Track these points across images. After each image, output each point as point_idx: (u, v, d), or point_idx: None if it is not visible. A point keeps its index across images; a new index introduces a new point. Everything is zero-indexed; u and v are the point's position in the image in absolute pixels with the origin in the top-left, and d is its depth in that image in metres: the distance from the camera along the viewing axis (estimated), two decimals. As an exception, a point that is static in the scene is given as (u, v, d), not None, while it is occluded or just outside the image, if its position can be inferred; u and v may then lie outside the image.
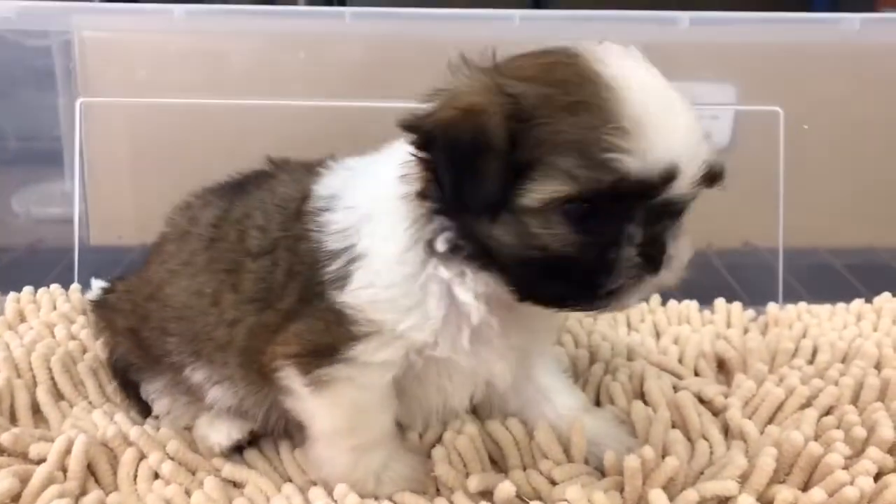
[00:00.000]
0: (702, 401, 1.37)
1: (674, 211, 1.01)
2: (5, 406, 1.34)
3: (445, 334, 1.09)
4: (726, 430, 1.31)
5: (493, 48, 1.03)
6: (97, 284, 1.58)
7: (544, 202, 0.96)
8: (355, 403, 1.14)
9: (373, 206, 1.09)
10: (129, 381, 1.35)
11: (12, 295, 1.69)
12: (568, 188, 0.94)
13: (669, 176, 0.95)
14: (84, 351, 1.50)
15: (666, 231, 1.00)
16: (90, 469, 1.20)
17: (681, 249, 1.03)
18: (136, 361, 1.32)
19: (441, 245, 1.05)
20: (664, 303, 1.73)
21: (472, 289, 1.06)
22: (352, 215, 1.09)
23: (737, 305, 1.71)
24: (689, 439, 1.27)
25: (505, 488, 1.13)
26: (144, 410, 1.35)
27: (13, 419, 1.33)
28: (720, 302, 1.71)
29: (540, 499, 1.15)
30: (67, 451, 1.19)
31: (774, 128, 2.09)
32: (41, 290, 1.71)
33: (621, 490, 1.14)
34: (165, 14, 1.78)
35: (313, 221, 1.11)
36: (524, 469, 1.21)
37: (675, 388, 1.39)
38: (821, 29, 1.93)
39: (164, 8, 1.82)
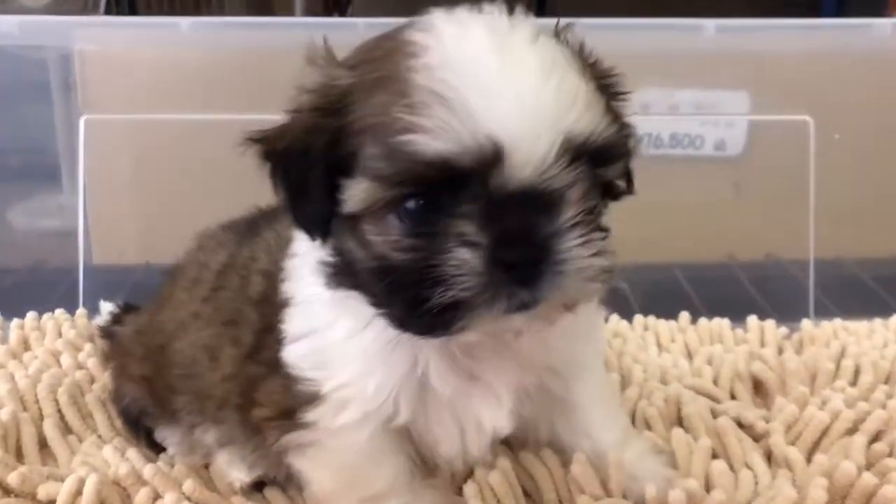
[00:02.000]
0: (741, 426, 1.31)
1: (543, 202, 0.79)
2: (11, 442, 1.27)
3: (392, 389, 0.95)
4: (768, 457, 1.25)
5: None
6: (106, 308, 1.52)
7: (363, 207, 0.82)
8: (340, 465, 1.03)
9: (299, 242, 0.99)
10: (140, 425, 1.28)
11: (16, 322, 1.62)
12: (374, 186, 0.80)
13: (489, 157, 0.76)
14: (92, 381, 1.43)
15: (538, 229, 0.79)
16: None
17: (576, 251, 0.79)
18: (150, 410, 1.24)
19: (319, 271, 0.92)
20: (694, 321, 1.67)
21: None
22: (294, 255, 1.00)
23: (770, 323, 1.64)
24: (732, 468, 1.20)
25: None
26: (156, 447, 1.28)
27: (19, 456, 1.27)
28: (753, 320, 1.65)
29: (579, 536, 1.09)
30: (78, 492, 1.12)
31: (800, 136, 2.04)
32: (46, 316, 1.65)
33: (666, 526, 1.08)
34: (171, 27, 1.72)
35: (288, 265, 1.01)
36: (560, 504, 1.14)
37: (713, 413, 1.33)
38: (850, 35, 1.87)
39: (169, 21, 1.76)
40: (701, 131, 2.31)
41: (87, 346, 1.52)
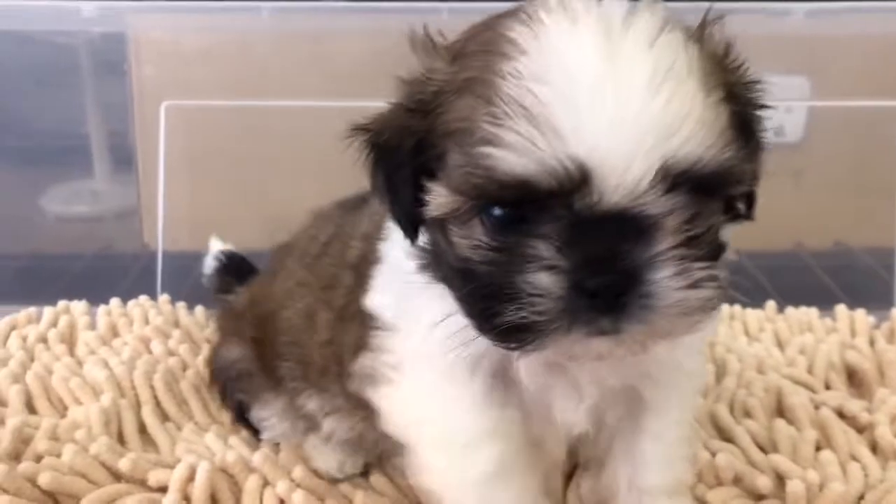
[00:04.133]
0: (841, 416, 1.30)
1: (634, 229, 0.72)
2: (113, 429, 1.27)
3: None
4: (872, 449, 1.24)
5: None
6: (215, 246, 1.56)
7: (445, 212, 0.78)
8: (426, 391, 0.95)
9: None
10: (241, 401, 1.28)
11: (103, 308, 1.63)
12: (455, 195, 0.76)
13: (573, 180, 0.70)
14: (184, 368, 1.43)
15: (624, 257, 0.72)
16: (212, 497, 1.14)
17: (667, 283, 0.72)
18: (254, 373, 1.24)
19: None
20: (781, 310, 1.65)
21: None
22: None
23: (860, 312, 1.62)
24: (839, 461, 1.19)
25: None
26: (254, 433, 1.29)
27: (121, 443, 1.27)
28: (842, 309, 1.63)
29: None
30: (190, 479, 1.13)
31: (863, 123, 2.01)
32: (131, 303, 1.65)
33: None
34: (253, 12, 1.71)
35: (388, 227, 0.98)
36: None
37: (813, 404, 1.31)
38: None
39: (247, 6, 1.75)
40: (759, 117, 2.29)
41: (176, 333, 1.53)
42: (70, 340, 1.51)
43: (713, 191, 0.75)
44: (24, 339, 1.48)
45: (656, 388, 0.97)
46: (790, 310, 1.64)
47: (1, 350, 1.45)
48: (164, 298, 1.67)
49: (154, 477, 1.15)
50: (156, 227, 1.88)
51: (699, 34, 0.81)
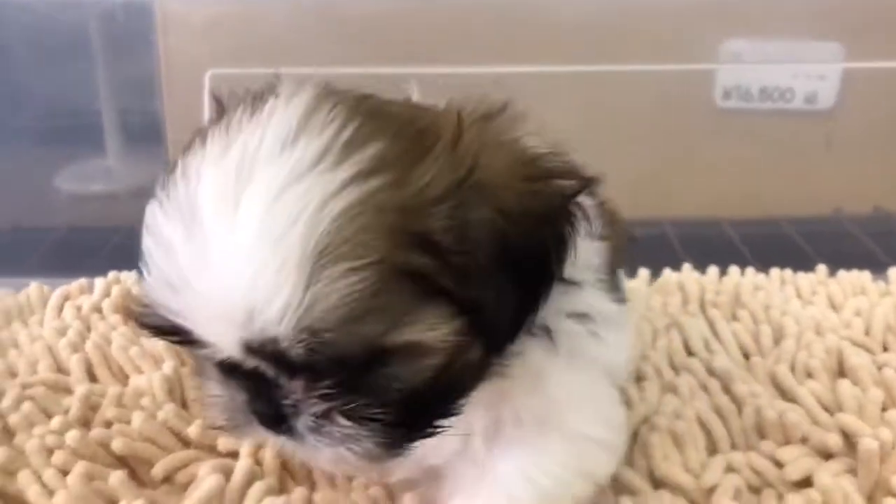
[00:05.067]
0: (903, 378, 1.29)
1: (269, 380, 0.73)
2: (177, 395, 1.27)
3: None
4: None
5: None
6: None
7: None
8: None
9: None
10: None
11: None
12: None
13: (184, 334, 0.71)
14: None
15: (268, 400, 0.74)
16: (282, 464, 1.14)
17: (303, 431, 0.75)
18: None
19: None
20: (832, 273, 1.64)
21: None
22: None
23: (915, 275, 1.61)
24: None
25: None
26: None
27: (185, 409, 1.27)
28: (895, 272, 1.62)
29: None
30: (260, 445, 1.13)
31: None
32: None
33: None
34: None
35: None
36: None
37: (876, 365, 1.31)
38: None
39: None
40: (791, 84, 2.27)
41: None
42: (124, 310, 1.51)
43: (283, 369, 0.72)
44: (79, 309, 1.48)
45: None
46: (842, 273, 1.64)
47: (57, 320, 1.45)
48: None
49: (223, 443, 1.15)
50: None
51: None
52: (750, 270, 1.64)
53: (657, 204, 2.08)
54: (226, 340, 0.69)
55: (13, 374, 1.30)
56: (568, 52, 2.05)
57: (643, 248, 1.88)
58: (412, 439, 0.77)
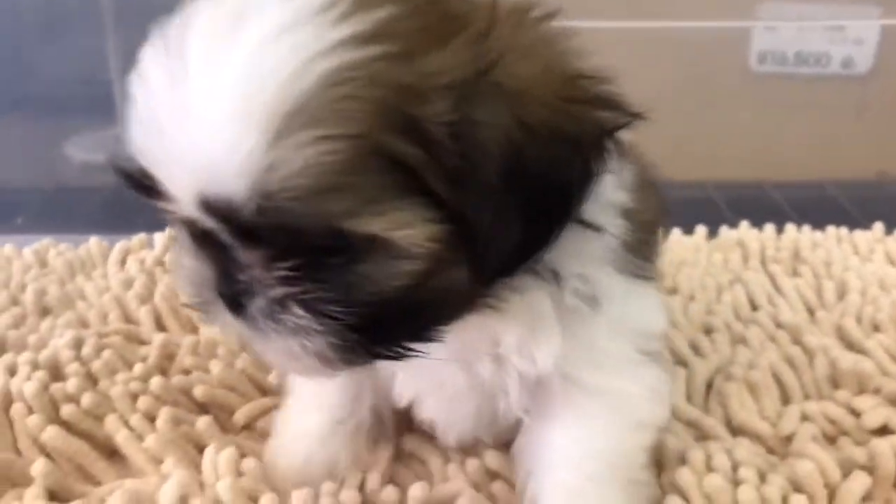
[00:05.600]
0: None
1: (231, 250, 0.67)
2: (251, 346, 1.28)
3: None
4: None
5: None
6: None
7: None
8: None
9: None
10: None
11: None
12: None
13: (150, 186, 0.66)
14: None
15: (226, 276, 0.69)
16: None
17: (257, 314, 0.68)
18: None
19: None
20: (889, 231, 1.64)
21: None
22: None
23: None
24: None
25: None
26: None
27: (256, 359, 1.29)
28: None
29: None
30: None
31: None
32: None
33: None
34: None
35: None
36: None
37: (941, 320, 1.32)
38: None
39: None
40: (828, 49, 2.26)
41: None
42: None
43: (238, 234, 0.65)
44: (142, 262, 1.49)
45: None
46: (899, 229, 1.64)
47: (121, 273, 1.46)
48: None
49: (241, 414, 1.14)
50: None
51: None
52: (806, 228, 1.64)
53: (698, 166, 2.08)
54: (185, 194, 0.64)
55: (84, 324, 1.31)
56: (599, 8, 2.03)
57: (690, 208, 1.89)
58: (372, 352, 0.71)
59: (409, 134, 0.60)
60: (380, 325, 0.68)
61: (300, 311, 0.67)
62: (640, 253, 0.83)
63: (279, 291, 0.67)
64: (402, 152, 0.61)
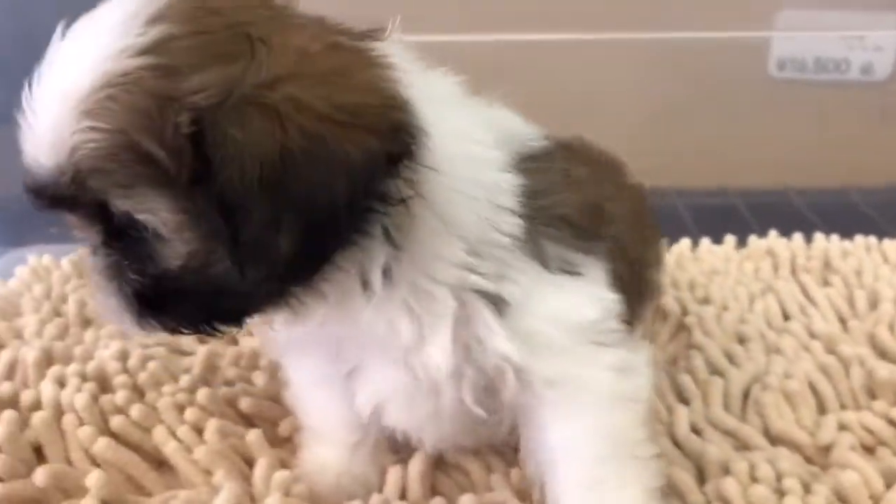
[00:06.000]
0: None
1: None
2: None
3: None
4: None
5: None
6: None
7: None
8: None
9: None
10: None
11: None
12: None
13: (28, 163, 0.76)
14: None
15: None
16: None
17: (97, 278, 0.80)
18: None
19: None
20: (917, 240, 1.65)
21: None
22: None
23: None
24: None
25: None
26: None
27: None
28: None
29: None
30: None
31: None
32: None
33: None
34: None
35: None
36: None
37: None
38: None
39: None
40: (847, 55, 2.27)
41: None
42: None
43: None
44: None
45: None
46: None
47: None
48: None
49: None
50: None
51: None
52: (835, 237, 1.65)
53: (721, 173, 2.09)
54: (36, 184, 0.75)
55: (126, 334, 1.32)
56: (621, 20, 2.05)
57: (714, 215, 1.90)
58: (164, 323, 0.80)
59: (156, 137, 0.69)
60: (176, 298, 0.78)
61: (112, 272, 0.79)
62: (557, 247, 0.85)
63: (101, 252, 0.79)
64: (152, 152, 0.70)
